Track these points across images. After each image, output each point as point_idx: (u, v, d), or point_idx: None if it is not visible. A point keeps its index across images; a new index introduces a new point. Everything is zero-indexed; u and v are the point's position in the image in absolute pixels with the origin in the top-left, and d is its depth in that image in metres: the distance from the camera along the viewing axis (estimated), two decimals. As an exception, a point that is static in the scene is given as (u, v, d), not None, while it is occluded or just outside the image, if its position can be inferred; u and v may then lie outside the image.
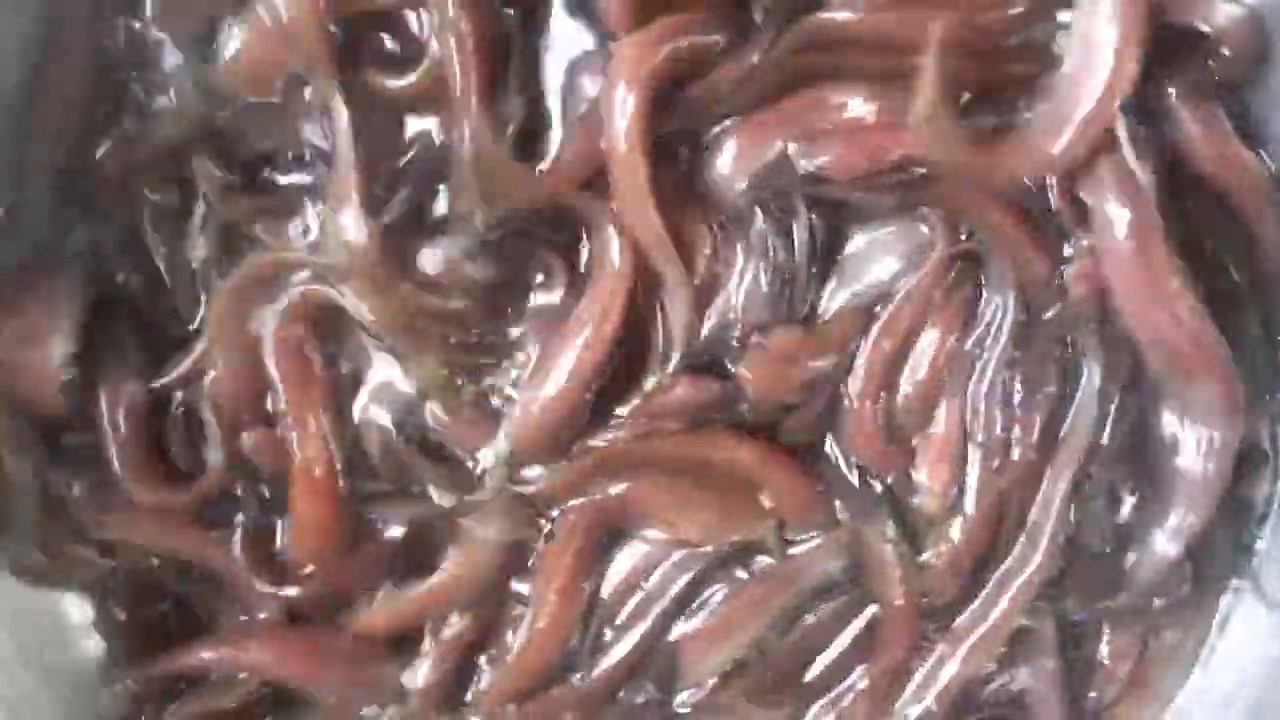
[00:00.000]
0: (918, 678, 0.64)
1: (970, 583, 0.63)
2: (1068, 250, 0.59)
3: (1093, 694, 0.65)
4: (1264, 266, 0.60)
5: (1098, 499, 0.61)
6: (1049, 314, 0.60)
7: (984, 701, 0.65)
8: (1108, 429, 0.60)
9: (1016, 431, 0.61)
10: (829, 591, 0.64)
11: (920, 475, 0.62)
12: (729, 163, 0.60)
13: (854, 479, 0.63)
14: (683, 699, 0.64)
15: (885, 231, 0.61)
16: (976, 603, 0.63)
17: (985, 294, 0.61)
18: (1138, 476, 0.61)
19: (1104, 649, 0.65)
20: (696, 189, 0.60)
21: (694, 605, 0.64)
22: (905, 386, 0.62)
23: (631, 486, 0.62)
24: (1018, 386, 0.60)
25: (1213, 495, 0.60)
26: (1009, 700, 0.65)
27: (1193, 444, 0.60)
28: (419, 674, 0.64)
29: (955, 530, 0.62)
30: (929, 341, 0.61)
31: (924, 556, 0.62)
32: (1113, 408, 0.60)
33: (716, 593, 0.64)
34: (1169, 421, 0.60)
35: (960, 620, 0.63)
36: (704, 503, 0.62)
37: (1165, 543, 0.61)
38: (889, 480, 0.62)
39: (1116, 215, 0.57)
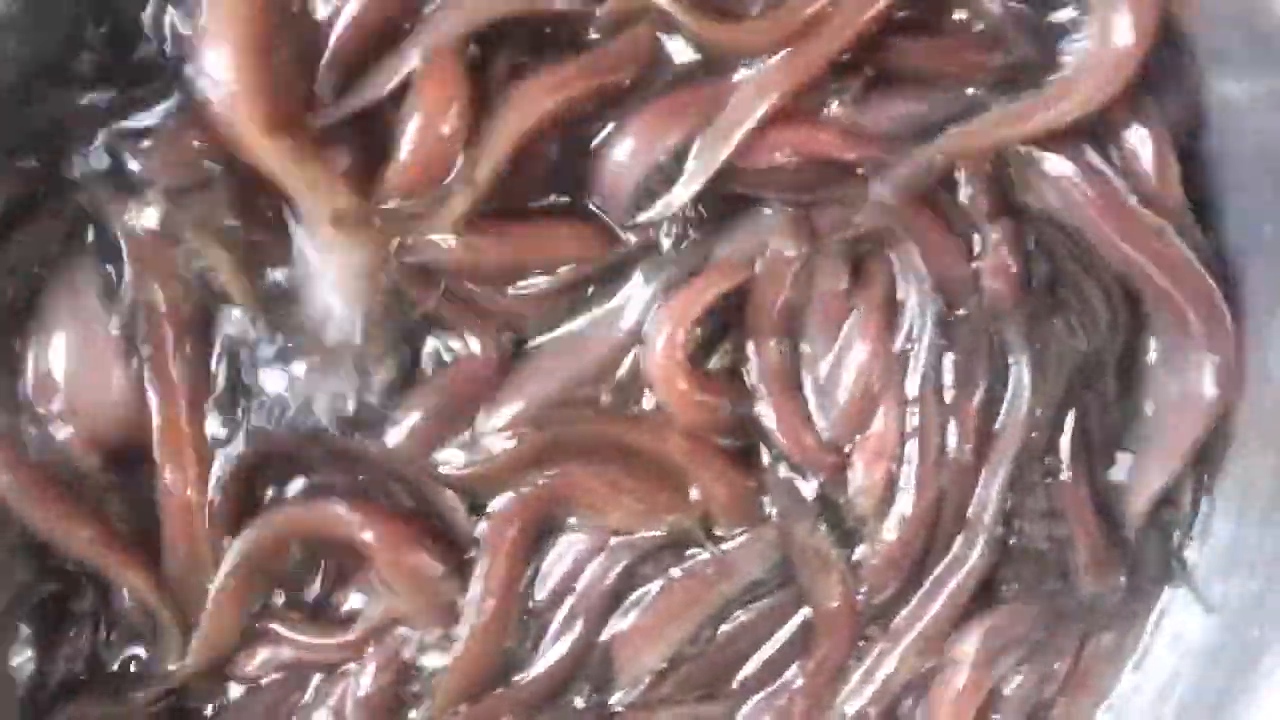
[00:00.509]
0: (855, 676, 0.64)
1: (908, 582, 0.63)
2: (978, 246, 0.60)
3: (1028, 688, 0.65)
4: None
5: (1036, 494, 0.62)
6: (965, 309, 0.60)
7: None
8: (1042, 422, 0.60)
9: (953, 426, 0.61)
10: (761, 589, 0.63)
11: (856, 474, 0.61)
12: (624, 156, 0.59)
13: (785, 475, 0.62)
14: (619, 698, 0.64)
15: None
16: (913, 601, 0.63)
17: (900, 290, 0.60)
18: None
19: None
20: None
21: (627, 603, 0.63)
22: (840, 398, 0.61)
23: (561, 473, 0.61)
24: (949, 380, 0.60)
25: (1202, 425, 0.60)
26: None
27: (1176, 387, 0.60)
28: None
29: (892, 528, 0.61)
30: (858, 354, 0.61)
31: (858, 555, 0.62)
32: (1044, 402, 0.60)
33: (650, 590, 0.63)
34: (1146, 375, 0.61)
35: (897, 619, 0.63)
36: (632, 490, 0.61)
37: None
38: (821, 479, 0.62)
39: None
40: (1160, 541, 0.64)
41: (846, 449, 0.61)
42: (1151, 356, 0.62)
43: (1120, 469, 0.63)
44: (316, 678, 0.63)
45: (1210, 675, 0.61)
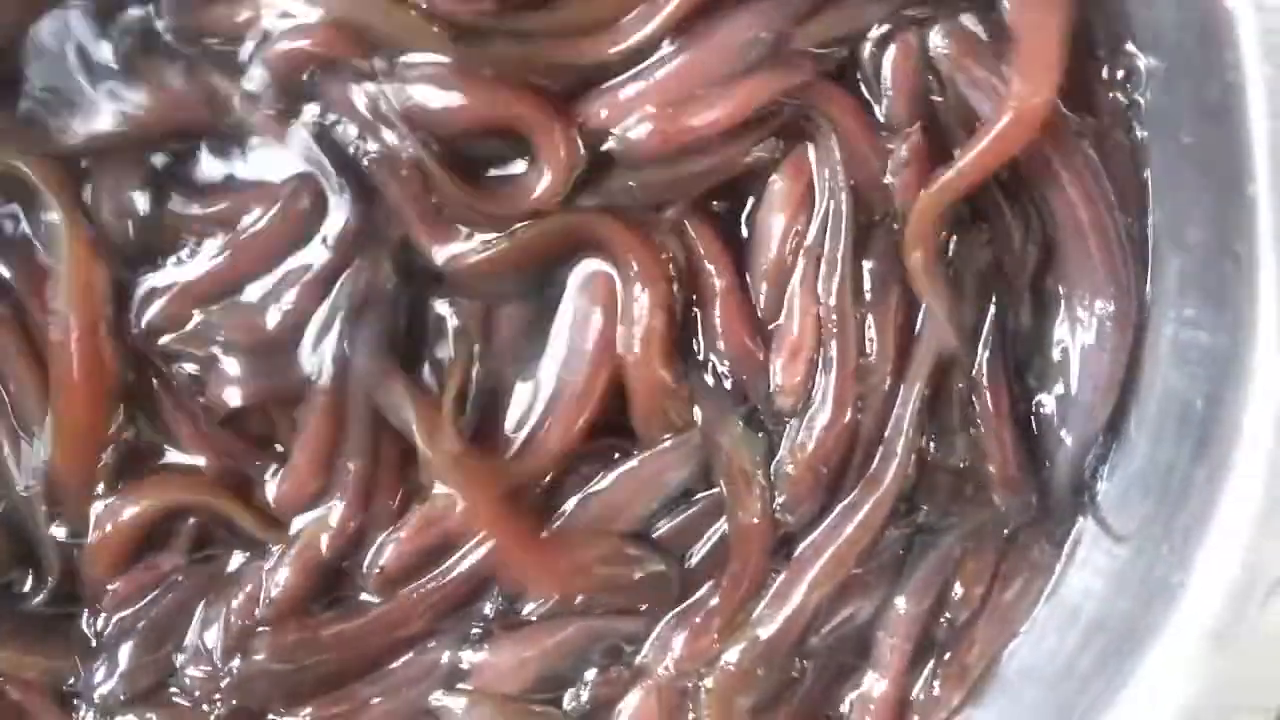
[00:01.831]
0: (768, 597, 0.63)
1: (827, 496, 0.62)
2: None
3: (945, 616, 0.66)
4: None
5: (954, 407, 0.62)
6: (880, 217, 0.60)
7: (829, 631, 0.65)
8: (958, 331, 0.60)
9: (872, 334, 0.61)
10: (683, 502, 0.63)
11: (774, 371, 0.61)
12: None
13: (712, 380, 0.62)
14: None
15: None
16: (830, 518, 0.63)
17: (815, 178, 0.60)
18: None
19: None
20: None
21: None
22: (759, 278, 0.61)
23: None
24: (868, 285, 0.60)
25: (1113, 376, 0.61)
26: (854, 633, 0.65)
27: (1088, 329, 0.61)
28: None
29: (811, 437, 0.61)
30: (775, 227, 0.61)
31: (776, 465, 0.62)
32: (960, 310, 0.60)
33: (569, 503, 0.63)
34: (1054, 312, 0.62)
35: (813, 536, 0.63)
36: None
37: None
38: (743, 378, 0.61)
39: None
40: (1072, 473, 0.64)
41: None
42: (1060, 291, 0.62)
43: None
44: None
45: (1120, 595, 0.61)
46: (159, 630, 0.63)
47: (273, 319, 0.60)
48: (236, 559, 0.64)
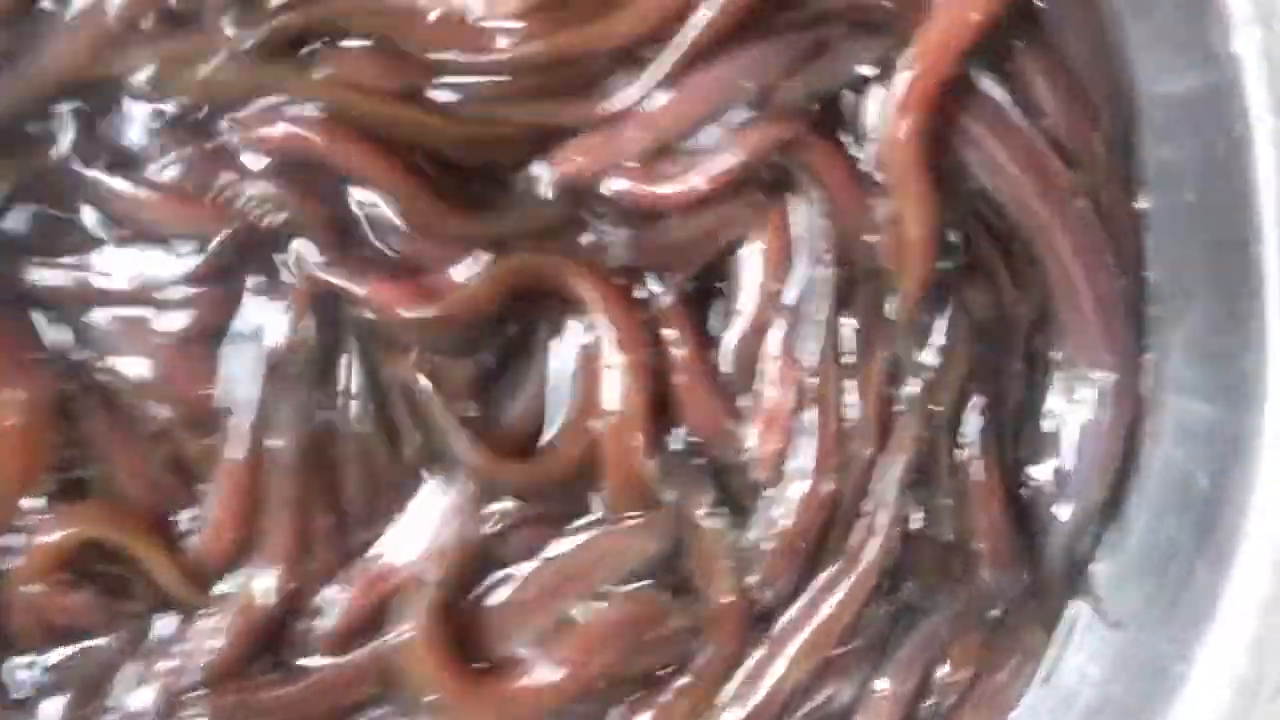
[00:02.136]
0: (738, 680, 0.59)
1: (803, 573, 0.59)
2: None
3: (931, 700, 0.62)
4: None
5: (941, 478, 0.59)
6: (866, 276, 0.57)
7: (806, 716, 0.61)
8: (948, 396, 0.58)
9: (855, 399, 0.57)
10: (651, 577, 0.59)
11: (750, 441, 0.58)
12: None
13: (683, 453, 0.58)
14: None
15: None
16: (806, 596, 0.59)
17: (794, 233, 0.57)
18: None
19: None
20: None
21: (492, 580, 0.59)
22: (730, 342, 0.58)
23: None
24: (850, 346, 0.57)
25: (1111, 449, 0.58)
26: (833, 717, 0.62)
27: (1084, 399, 0.59)
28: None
29: (789, 510, 0.58)
30: (750, 284, 0.58)
31: (751, 538, 0.58)
32: (950, 373, 0.58)
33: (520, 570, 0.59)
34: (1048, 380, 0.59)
35: (788, 616, 0.59)
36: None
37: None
38: (714, 452, 0.58)
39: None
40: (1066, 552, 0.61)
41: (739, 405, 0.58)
42: (1055, 357, 0.60)
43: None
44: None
45: (1118, 681, 0.58)
46: (87, 687, 0.59)
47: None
48: (168, 621, 0.59)
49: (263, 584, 0.58)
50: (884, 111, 0.55)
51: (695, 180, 0.55)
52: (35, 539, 0.57)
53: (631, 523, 0.58)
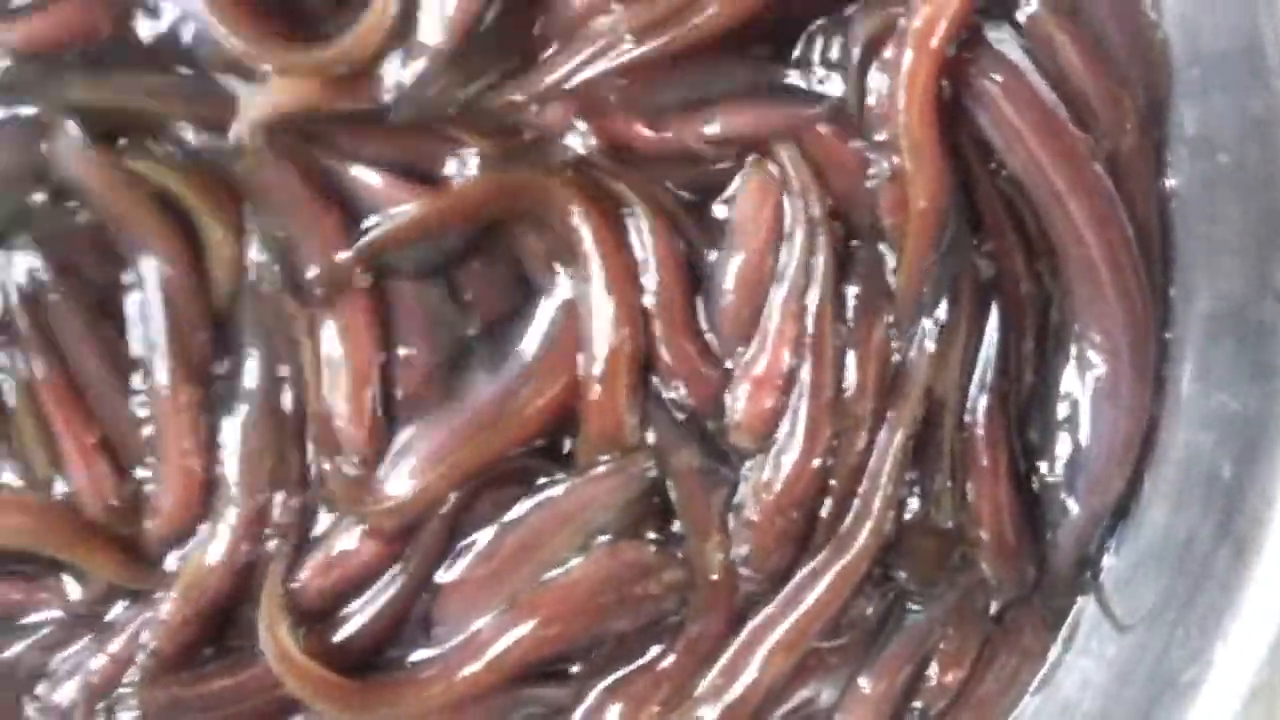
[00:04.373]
0: (714, 673, 0.56)
1: (796, 554, 0.55)
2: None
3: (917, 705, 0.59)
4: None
5: (941, 463, 0.55)
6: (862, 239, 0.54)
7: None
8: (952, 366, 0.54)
9: (853, 368, 0.53)
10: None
11: (736, 400, 0.54)
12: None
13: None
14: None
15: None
16: (795, 578, 0.55)
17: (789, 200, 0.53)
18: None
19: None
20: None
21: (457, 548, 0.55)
22: (723, 297, 0.54)
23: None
24: (850, 313, 0.53)
25: (1130, 434, 0.55)
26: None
27: (1101, 380, 0.55)
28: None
29: (776, 479, 0.54)
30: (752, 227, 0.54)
31: (738, 501, 0.54)
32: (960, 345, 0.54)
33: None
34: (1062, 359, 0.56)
35: (769, 607, 0.55)
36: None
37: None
38: (699, 408, 0.54)
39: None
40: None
41: (728, 364, 0.54)
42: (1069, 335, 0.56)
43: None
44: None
45: (1124, 689, 0.55)
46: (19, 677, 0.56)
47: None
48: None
49: (212, 556, 0.54)
50: (891, 63, 0.52)
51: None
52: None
53: (604, 468, 0.54)
